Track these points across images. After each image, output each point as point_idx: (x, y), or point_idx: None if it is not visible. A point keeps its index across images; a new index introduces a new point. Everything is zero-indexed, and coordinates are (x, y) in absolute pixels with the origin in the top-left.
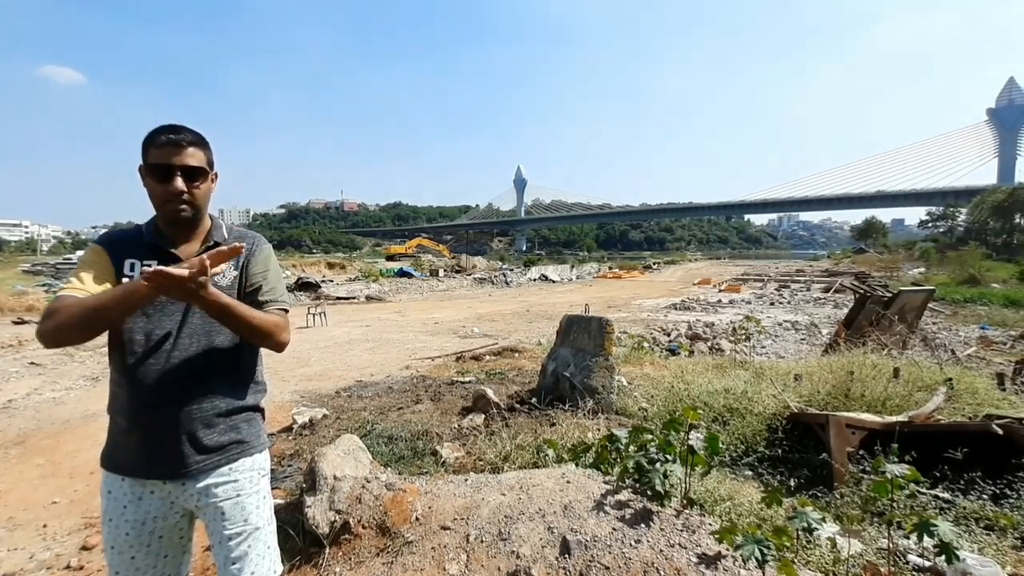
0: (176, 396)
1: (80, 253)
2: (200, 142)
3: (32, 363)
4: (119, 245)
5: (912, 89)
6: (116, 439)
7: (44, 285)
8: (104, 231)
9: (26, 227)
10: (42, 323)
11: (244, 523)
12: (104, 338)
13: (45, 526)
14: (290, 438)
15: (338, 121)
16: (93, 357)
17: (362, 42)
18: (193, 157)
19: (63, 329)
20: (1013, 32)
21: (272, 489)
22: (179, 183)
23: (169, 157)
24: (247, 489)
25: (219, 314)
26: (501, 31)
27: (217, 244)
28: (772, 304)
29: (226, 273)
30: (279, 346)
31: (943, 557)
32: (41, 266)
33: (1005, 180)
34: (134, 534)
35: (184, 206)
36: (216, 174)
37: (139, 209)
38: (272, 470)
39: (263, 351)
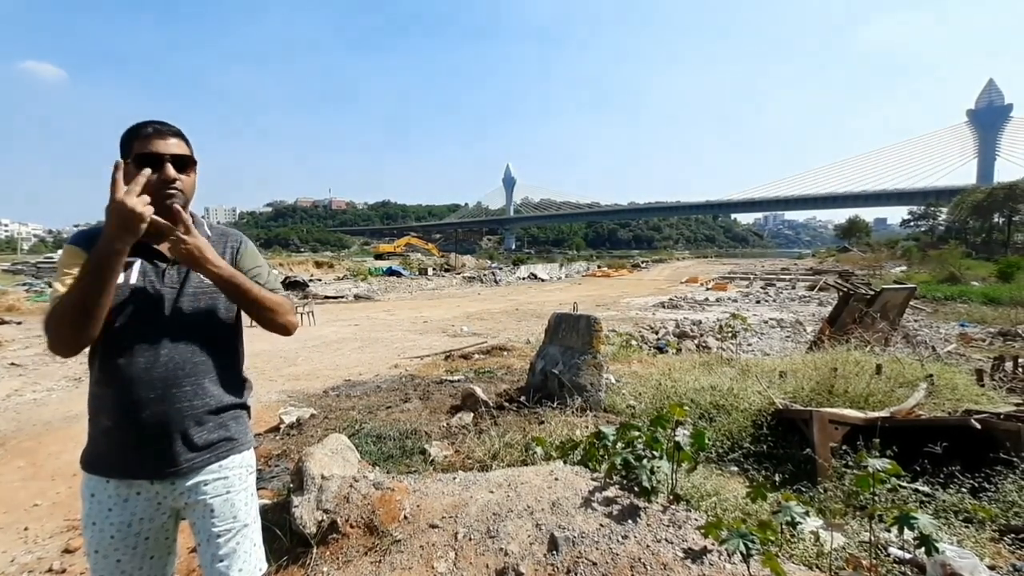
0: (166, 393)
1: (61, 252)
2: (181, 135)
3: (12, 364)
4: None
5: (895, 90)
6: (99, 440)
7: (24, 284)
8: (85, 229)
9: (6, 226)
10: (47, 339)
11: (233, 520)
12: None
13: (26, 529)
14: (277, 438)
15: (325, 119)
16: (75, 357)
17: (351, 40)
18: (179, 147)
19: (64, 331)
20: (993, 36)
21: (259, 489)
22: (171, 170)
23: (158, 146)
24: (236, 486)
25: (225, 284)
26: (491, 30)
27: None
28: (758, 302)
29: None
30: (288, 327)
31: (923, 549)
32: (21, 265)
33: (985, 180)
34: (120, 537)
35: (175, 191)
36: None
37: None
38: (259, 470)
39: (246, 350)
